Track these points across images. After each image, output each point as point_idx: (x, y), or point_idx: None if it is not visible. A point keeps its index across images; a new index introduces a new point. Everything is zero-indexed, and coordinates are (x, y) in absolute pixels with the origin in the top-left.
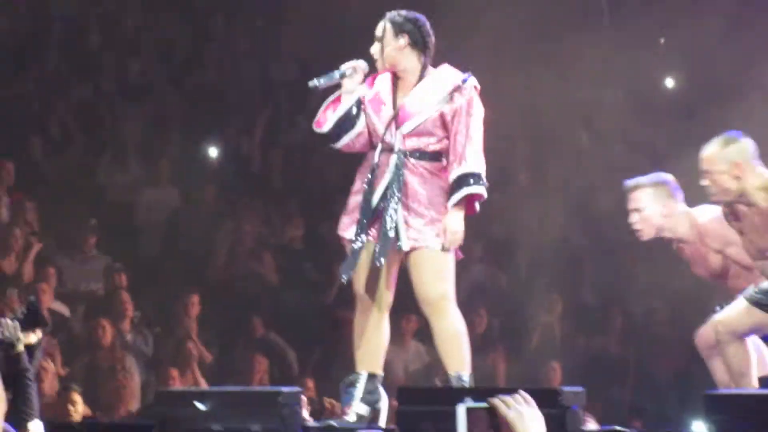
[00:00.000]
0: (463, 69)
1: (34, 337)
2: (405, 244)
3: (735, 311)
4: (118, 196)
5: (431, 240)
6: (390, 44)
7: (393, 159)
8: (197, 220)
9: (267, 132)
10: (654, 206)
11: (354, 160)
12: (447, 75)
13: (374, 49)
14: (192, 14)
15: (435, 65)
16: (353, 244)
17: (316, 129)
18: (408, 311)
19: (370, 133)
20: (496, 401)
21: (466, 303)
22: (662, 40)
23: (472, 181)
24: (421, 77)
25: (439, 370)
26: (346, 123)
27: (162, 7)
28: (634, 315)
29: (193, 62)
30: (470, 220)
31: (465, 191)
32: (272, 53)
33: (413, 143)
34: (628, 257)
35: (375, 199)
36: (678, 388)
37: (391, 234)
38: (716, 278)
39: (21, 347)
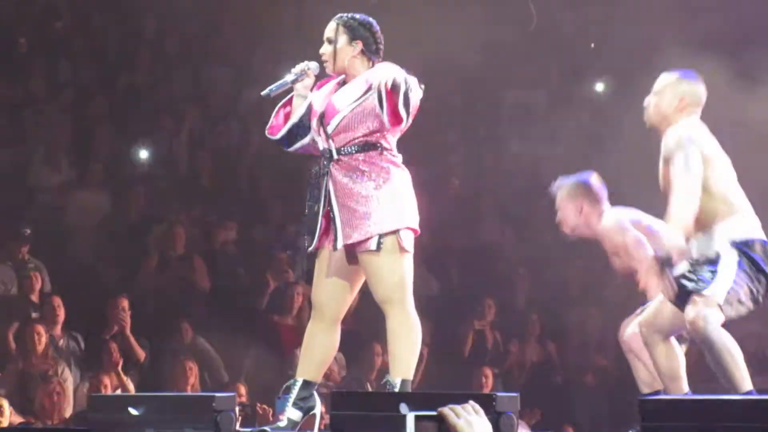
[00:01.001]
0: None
1: None
2: (339, 243)
3: (658, 311)
4: (49, 198)
5: (365, 235)
6: (344, 50)
7: (324, 161)
8: (128, 224)
9: (197, 134)
10: (570, 205)
11: (288, 164)
12: (372, 71)
13: (324, 50)
14: (122, 15)
15: None
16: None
17: (269, 136)
18: None
19: None
20: (446, 410)
21: None
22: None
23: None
24: None
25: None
26: (299, 129)
27: (92, 8)
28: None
29: (124, 64)
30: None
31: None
32: (204, 55)
33: (340, 140)
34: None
35: (318, 205)
36: (610, 393)
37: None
38: (630, 276)
39: None
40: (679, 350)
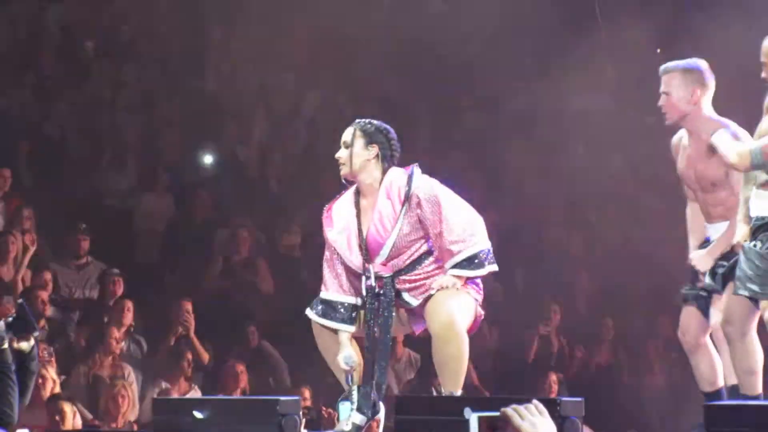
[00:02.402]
0: (408, 163)
1: (25, 344)
2: (413, 302)
3: (733, 307)
4: (116, 202)
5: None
6: (359, 154)
7: (383, 287)
8: (193, 228)
9: (263, 138)
10: (683, 89)
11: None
12: (394, 183)
13: (342, 155)
14: (190, 21)
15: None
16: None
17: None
18: None
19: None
20: (509, 411)
21: None
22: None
23: (468, 264)
24: (380, 186)
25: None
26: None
27: (159, 12)
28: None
29: (190, 68)
30: None
31: (457, 271)
32: (270, 61)
33: (394, 264)
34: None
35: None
36: (675, 398)
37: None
38: (701, 183)
39: (5, 345)
40: (759, 345)
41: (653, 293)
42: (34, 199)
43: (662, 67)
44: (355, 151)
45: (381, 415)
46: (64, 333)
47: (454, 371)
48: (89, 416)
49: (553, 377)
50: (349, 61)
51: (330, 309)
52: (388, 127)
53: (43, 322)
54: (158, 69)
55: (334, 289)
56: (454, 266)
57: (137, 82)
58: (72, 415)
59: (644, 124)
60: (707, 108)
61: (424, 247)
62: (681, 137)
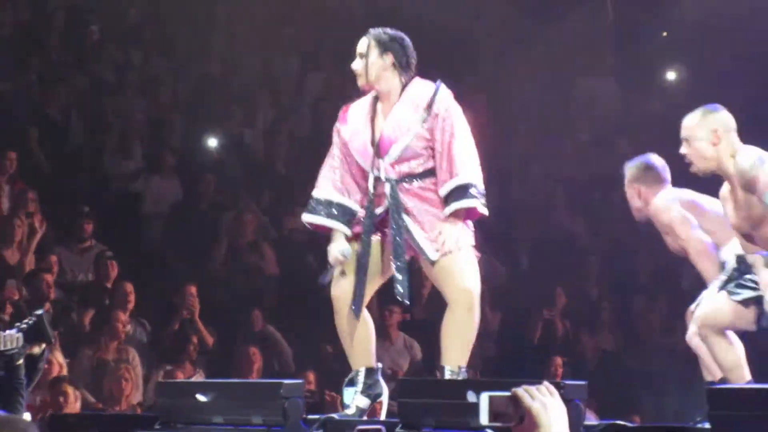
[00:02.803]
0: (433, 78)
1: (37, 349)
2: (432, 255)
3: (717, 309)
4: (121, 185)
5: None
6: (375, 63)
7: (387, 188)
8: (198, 211)
9: (268, 122)
10: (630, 189)
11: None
12: (418, 92)
13: (357, 65)
14: (194, 5)
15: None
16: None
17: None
18: (389, 303)
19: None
20: (520, 391)
21: None
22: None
23: (462, 194)
24: (400, 97)
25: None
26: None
27: None
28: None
29: (195, 52)
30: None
31: (454, 206)
32: (275, 44)
33: (402, 169)
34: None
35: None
36: (677, 382)
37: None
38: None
39: (21, 360)
40: (737, 340)
41: (657, 276)
42: (39, 182)
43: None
44: (371, 61)
45: (384, 397)
46: (69, 316)
47: (466, 342)
48: (92, 400)
49: (558, 361)
50: (353, 44)
51: (321, 206)
52: (402, 35)
53: (48, 306)
54: (164, 53)
55: (326, 188)
56: (449, 195)
57: (143, 65)
58: (74, 399)
59: (648, 109)
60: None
61: (431, 164)
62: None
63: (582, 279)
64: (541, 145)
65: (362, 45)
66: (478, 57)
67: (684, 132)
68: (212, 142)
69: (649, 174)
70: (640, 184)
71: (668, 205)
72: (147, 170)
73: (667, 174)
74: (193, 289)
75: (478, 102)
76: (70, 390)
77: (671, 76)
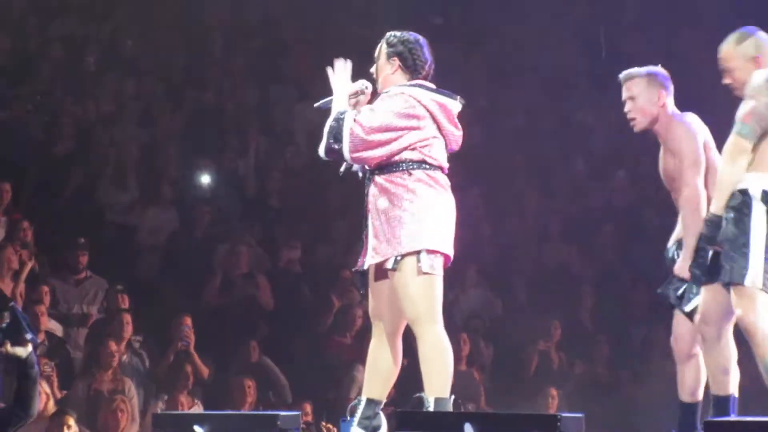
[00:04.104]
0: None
1: (21, 349)
2: (366, 263)
3: (708, 305)
4: (117, 217)
5: (384, 255)
6: (383, 67)
7: (367, 181)
8: (193, 243)
9: (264, 154)
10: (648, 94)
11: (353, 181)
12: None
13: (373, 69)
14: (190, 35)
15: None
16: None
17: (324, 157)
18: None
19: None
20: None
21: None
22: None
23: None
24: None
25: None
26: None
27: (160, 27)
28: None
29: (192, 82)
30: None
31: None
32: (271, 75)
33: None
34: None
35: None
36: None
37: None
38: (669, 183)
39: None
40: (733, 345)
41: (653, 308)
42: (34, 213)
43: (624, 74)
44: (379, 65)
45: (383, 429)
46: (64, 348)
47: (437, 372)
48: None
49: (553, 392)
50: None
51: None
52: (414, 37)
53: (42, 336)
54: (159, 83)
55: None
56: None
57: (138, 96)
58: (76, 429)
59: (646, 138)
60: (672, 109)
61: (408, 155)
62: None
63: (577, 310)
64: (536, 176)
65: (377, 49)
66: (472, 89)
67: (721, 63)
68: (207, 173)
69: (667, 83)
70: (661, 90)
71: (693, 135)
72: (143, 201)
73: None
74: (189, 320)
75: (472, 133)
76: (71, 421)
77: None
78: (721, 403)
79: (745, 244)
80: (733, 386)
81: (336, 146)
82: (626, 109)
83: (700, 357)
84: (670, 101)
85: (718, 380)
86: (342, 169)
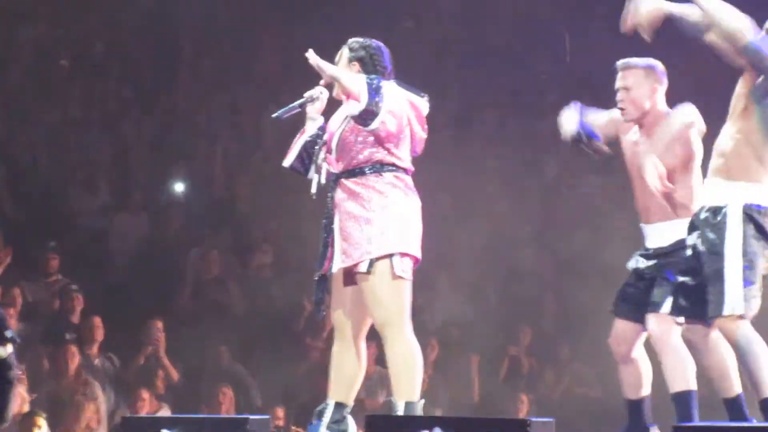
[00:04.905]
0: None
1: (1, 350)
2: (334, 266)
3: None
4: (87, 221)
5: (357, 259)
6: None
7: (333, 184)
8: (164, 247)
9: (234, 157)
10: (645, 86)
11: (326, 186)
12: None
13: None
14: (160, 39)
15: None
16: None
17: (284, 164)
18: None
19: None
20: None
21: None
22: None
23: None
24: None
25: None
26: (309, 152)
27: (130, 32)
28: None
29: (162, 86)
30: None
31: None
32: (241, 79)
33: (341, 164)
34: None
35: (326, 230)
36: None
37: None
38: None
39: None
40: (727, 348)
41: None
42: (3, 217)
43: (621, 62)
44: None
45: None
46: (32, 350)
47: (404, 375)
48: None
49: (523, 398)
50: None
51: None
52: (375, 43)
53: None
54: (129, 87)
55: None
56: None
57: (108, 100)
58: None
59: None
60: (663, 104)
61: (377, 157)
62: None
63: (546, 316)
64: (507, 182)
65: (338, 54)
66: (445, 93)
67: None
68: (178, 178)
69: (663, 77)
70: (656, 83)
71: (692, 122)
72: (113, 206)
73: None
74: (160, 324)
75: (445, 138)
76: (42, 422)
77: None
78: (730, 405)
79: (719, 272)
80: (737, 385)
81: (380, 103)
82: (618, 97)
83: (641, 355)
84: (661, 96)
85: (717, 384)
86: (313, 190)
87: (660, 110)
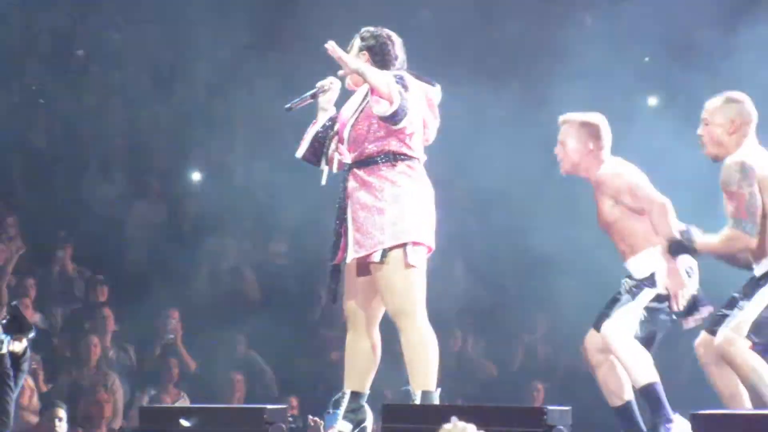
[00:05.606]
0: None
1: (18, 345)
2: (348, 256)
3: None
4: (104, 210)
5: (371, 249)
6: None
7: (345, 174)
8: (180, 236)
9: (251, 146)
10: (578, 142)
11: (340, 175)
12: None
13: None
14: (176, 27)
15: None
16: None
17: (296, 155)
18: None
19: None
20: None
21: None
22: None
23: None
24: None
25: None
26: (321, 142)
27: (146, 20)
28: None
29: (179, 75)
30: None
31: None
32: (258, 69)
33: (353, 154)
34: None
35: (338, 219)
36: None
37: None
38: (606, 228)
39: (4, 350)
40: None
41: None
42: (20, 207)
43: (561, 117)
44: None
45: (369, 424)
46: (49, 341)
47: (422, 365)
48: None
49: (539, 386)
50: (337, 67)
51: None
52: (384, 32)
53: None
54: (146, 77)
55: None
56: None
57: (125, 89)
58: (66, 422)
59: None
60: (603, 158)
61: (389, 147)
62: None
63: (563, 303)
64: (521, 168)
65: (350, 44)
66: (460, 81)
67: (704, 114)
68: (195, 167)
69: (600, 134)
70: (590, 140)
71: (619, 171)
72: (130, 194)
73: (610, 139)
74: (176, 314)
75: (458, 124)
76: (62, 413)
77: (652, 102)
78: None
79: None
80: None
81: (408, 103)
82: (555, 151)
83: (612, 361)
84: (601, 150)
85: (729, 405)
86: (324, 180)
87: (599, 162)
